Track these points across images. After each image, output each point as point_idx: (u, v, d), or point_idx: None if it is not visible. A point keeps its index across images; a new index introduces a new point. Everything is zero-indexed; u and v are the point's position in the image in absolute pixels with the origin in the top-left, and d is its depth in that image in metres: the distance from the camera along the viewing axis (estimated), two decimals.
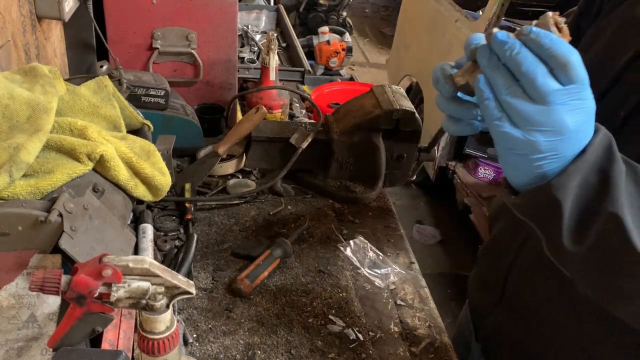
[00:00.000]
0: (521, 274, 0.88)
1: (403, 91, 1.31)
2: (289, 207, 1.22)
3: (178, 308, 0.93)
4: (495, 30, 0.54)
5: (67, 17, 1.20)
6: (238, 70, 1.56)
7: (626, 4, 0.82)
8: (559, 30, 0.55)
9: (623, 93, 0.76)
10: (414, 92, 3.61)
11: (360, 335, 0.92)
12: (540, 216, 0.60)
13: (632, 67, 0.76)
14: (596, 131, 0.57)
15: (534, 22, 0.56)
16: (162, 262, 0.96)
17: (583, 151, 0.56)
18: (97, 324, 0.64)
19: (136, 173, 0.94)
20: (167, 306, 0.61)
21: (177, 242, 1.07)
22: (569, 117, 0.54)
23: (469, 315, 1.06)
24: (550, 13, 0.56)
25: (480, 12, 3.10)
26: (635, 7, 0.80)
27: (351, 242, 1.12)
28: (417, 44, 3.55)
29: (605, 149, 0.57)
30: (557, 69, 0.53)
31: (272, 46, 1.43)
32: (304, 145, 1.22)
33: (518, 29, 0.55)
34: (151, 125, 1.10)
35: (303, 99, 1.70)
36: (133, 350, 0.76)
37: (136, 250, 0.97)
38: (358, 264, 1.08)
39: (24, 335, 0.72)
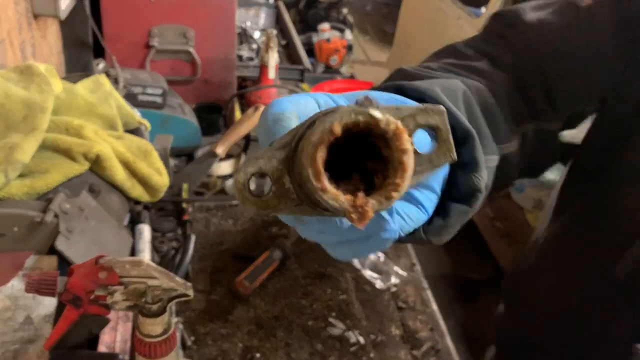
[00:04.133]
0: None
1: None
2: None
3: (176, 310, 0.92)
4: None
5: (63, 15, 1.18)
6: (237, 69, 1.55)
7: None
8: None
9: None
10: None
11: (361, 339, 0.91)
12: None
13: None
14: None
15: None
16: (160, 264, 0.96)
17: None
18: (94, 326, 0.64)
19: (133, 173, 0.93)
20: (165, 308, 0.60)
21: (174, 243, 1.06)
22: None
23: None
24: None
25: (483, 9, 3.09)
26: None
27: None
28: (419, 42, 3.55)
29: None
30: None
31: (272, 44, 1.42)
32: None
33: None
34: (148, 125, 1.09)
35: None
36: (130, 353, 0.76)
37: (133, 252, 0.96)
38: (359, 266, 1.07)
39: (20, 337, 0.71)
